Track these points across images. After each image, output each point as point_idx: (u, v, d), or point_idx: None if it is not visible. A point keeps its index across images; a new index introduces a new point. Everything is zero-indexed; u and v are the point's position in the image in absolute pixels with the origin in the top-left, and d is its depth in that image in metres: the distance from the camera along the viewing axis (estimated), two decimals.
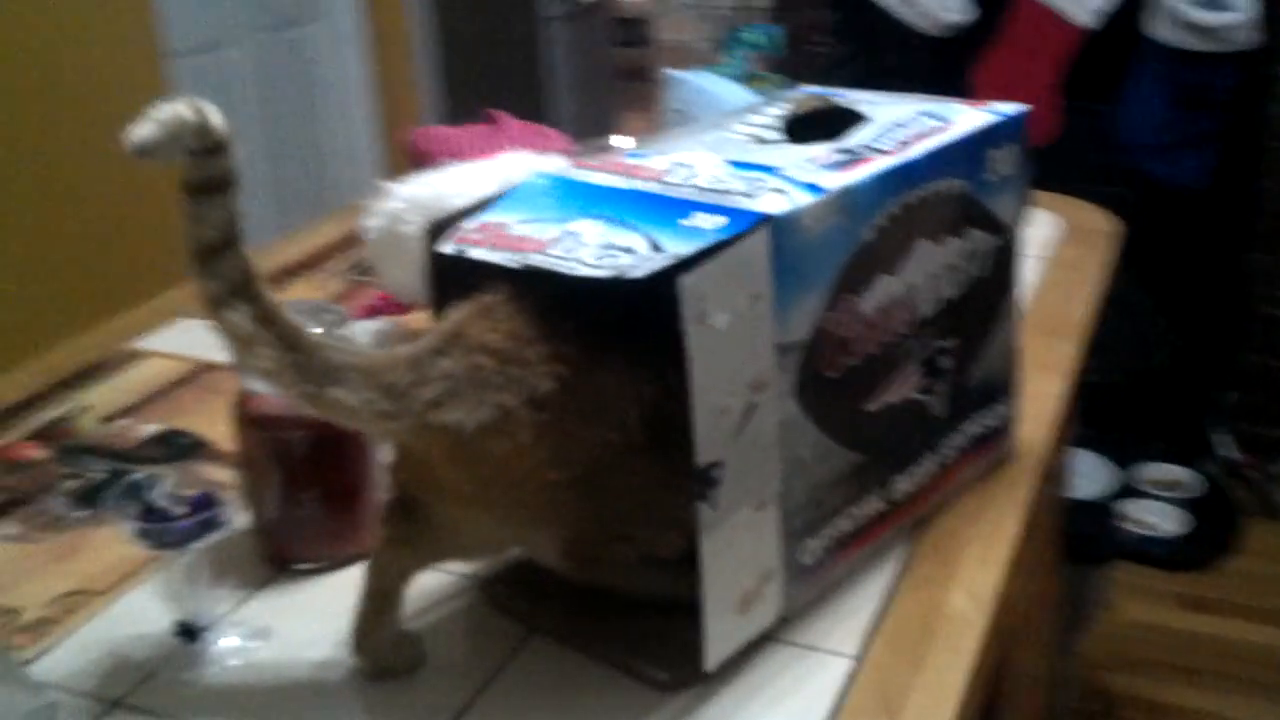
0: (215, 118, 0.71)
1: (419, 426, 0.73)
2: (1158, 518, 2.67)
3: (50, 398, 1.21)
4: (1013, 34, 2.89)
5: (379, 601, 0.81)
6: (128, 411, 1.19)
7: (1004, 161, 0.96)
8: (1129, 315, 2.84)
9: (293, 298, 1.39)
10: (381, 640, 0.82)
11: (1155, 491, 2.73)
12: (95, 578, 0.93)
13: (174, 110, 0.70)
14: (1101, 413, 2.81)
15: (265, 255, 1.57)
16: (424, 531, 0.80)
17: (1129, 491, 2.73)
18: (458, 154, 1.18)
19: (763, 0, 2.75)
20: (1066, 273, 1.43)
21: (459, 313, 0.77)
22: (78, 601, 0.91)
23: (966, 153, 0.93)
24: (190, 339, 1.32)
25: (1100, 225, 1.59)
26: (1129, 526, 2.65)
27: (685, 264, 0.72)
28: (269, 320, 0.73)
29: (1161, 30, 2.67)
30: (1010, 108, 0.97)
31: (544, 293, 0.77)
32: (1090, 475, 2.64)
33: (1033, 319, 1.31)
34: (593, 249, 0.76)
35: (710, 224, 0.76)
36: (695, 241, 0.74)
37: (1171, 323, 2.85)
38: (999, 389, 1.02)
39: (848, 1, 2.95)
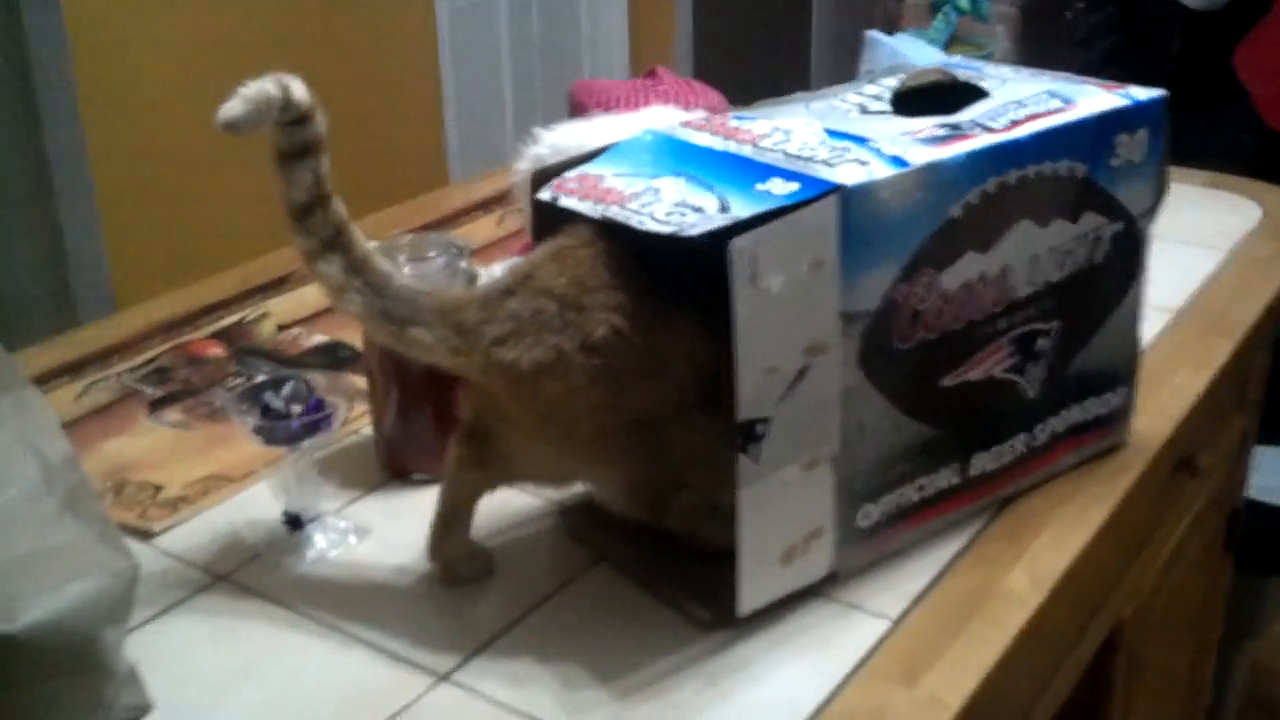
0: (299, 91, 0.79)
1: (484, 362, 0.79)
2: None
3: (239, 303, 1.33)
4: None
5: (451, 515, 0.88)
6: (302, 322, 1.29)
7: (1134, 147, 0.95)
8: None
9: (461, 234, 1.48)
10: (453, 550, 0.89)
11: None
12: (233, 466, 1.04)
13: (261, 88, 0.78)
14: None
15: (460, 189, 1.67)
16: (493, 456, 0.86)
17: None
18: (610, 105, 1.23)
19: None
20: (1250, 267, 1.38)
21: (536, 253, 0.83)
22: (213, 485, 1.01)
23: (1088, 136, 0.92)
24: None
25: None
26: None
27: (742, 226, 0.75)
28: (358, 269, 0.81)
29: None
30: (1145, 93, 0.95)
31: (615, 243, 0.81)
32: None
33: (1197, 310, 1.28)
34: (666, 205, 0.80)
35: (782, 189, 0.79)
36: (760, 204, 0.77)
37: None
38: (1114, 377, 1.01)
39: None
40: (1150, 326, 1.02)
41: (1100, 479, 1.00)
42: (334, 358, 1.22)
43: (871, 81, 0.98)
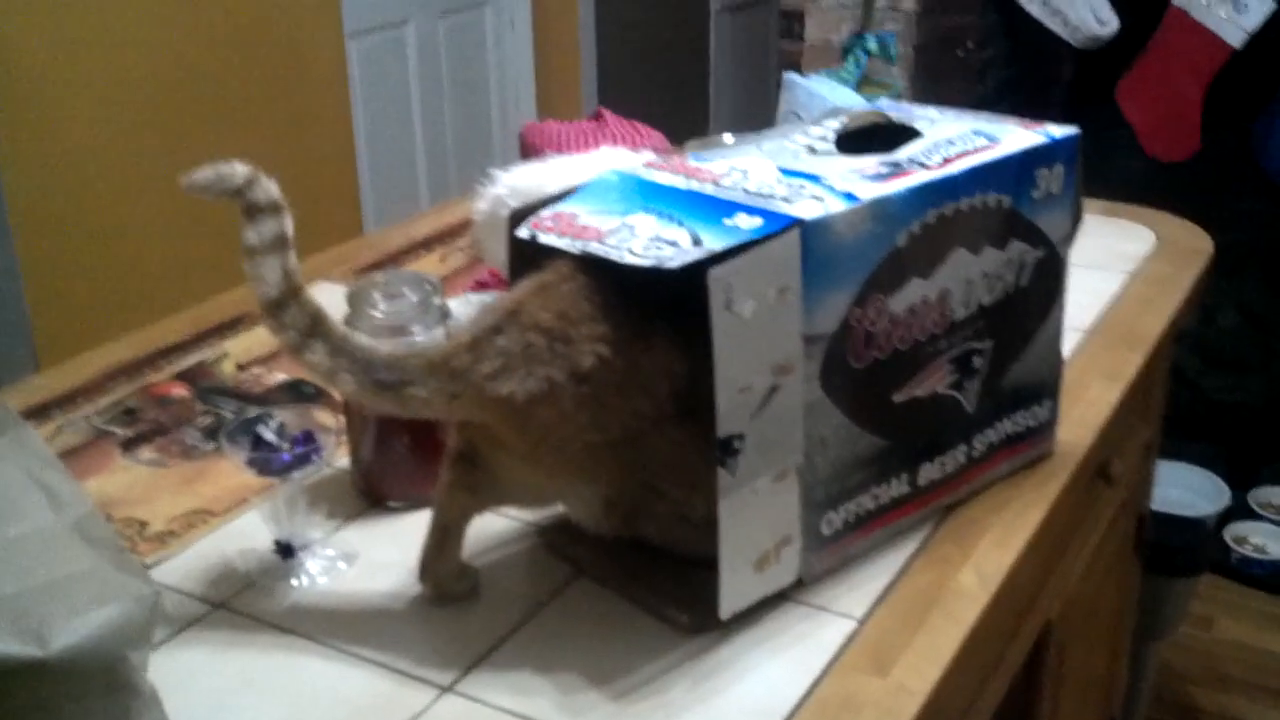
0: (269, 185, 0.85)
1: (479, 399, 0.85)
2: (1268, 540, 2.67)
3: (196, 344, 1.37)
4: (1161, 48, 2.89)
5: (442, 536, 0.93)
6: (261, 361, 1.33)
7: (1053, 179, 1.04)
8: (1266, 335, 2.83)
9: (408, 269, 1.53)
10: (444, 570, 0.94)
11: (1268, 514, 2.73)
12: (215, 500, 1.08)
13: (232, 169, 0.85)
14: (1229, 430, 2.82)
15: (402, 229, 1.72)
16: (483, 479, 0.91)
17: (1244, 512, 2.73)
18: (562, 147, 1.29)
19: (909, 3, 2.81)
20: (1149, 287, 1.48)
21: (519, 289, 0.89)
22: (198, 519, 1.05)
23: (1012, 170, 1.00)
24: (324, 299, 1.46)
25: (1195, 243, 1.62)
26: (1238, 547, 2.65)
27: (717, 258, 0.82)
28: (341, 350, 0.86)
29: None
30: (1061, 130, 1.04)
31: (595, 276, 0.87)
32: (1203, 491, 2.65)
33: (1105, 328, 1.38)
34: (642, 240, 0.87)
35: (748, 224, 0.86)
36: (731, 238, 0.84)
37: None
38: (1040, 391, 1.10)
39: (996, 8, 2.99)
40: (1065, 345, 1.11)
41: (1032, 485, 1.08)
42: (299, 394, 1.27)
43: (815, 124, 1.05)
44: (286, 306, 0.86)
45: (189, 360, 1.34)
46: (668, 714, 0.83)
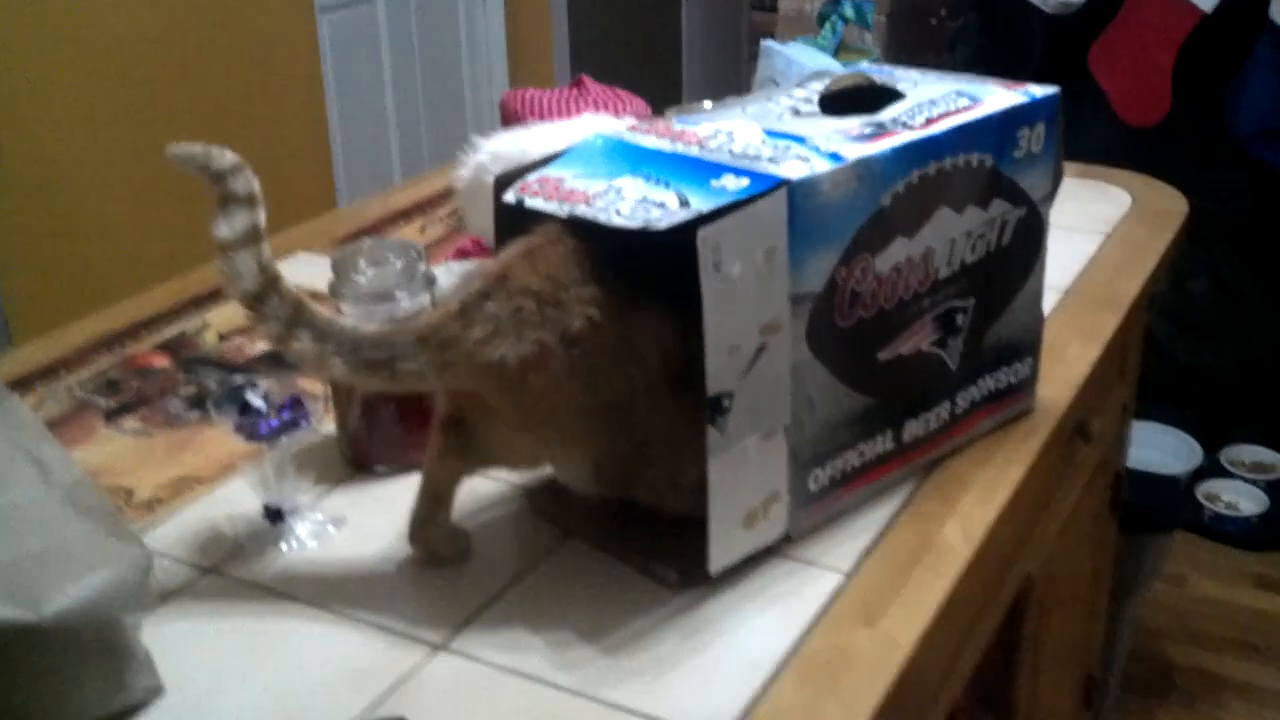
0: (249, 179, 0.85)
1: (471, 366, 0.85)
2: (1240, 497, 2.71)
3: (177, 315, 1.37)
4: (1132, 15, 2.90)
5: (432, 500, 0.94)
6: (242, 331, 1.33)
7: (1034, 139, 1.04)
8: (1236, 301, 2.86)
9: (392, 237, 1.53)
10: (433, 533, 0.95)
11: (1240, 472, 2.76)
12: (201, 468, 1.08)
13: (222, 153, 0.85)
14: (1200, 394, 2.85)
15: (380, 199, 1.71)
16: (472, 444, 0.92)
17: (1216, 471, 2.77)
18: (543, 115, 1.29)
19: None
20: (1125, 249, 1.50)
21: (507, 254, 0.89)
22: (184, 486, 1.05)
23: (994, 130, 1.01)
24: (305, 271, 1.46)
25: (1169, 205, 1.64)
26: (1210, 504, 2.69)
27: (705, 219, 0.82)
28: (326, 335, 0.85)
29: (1279, 14, 2.67)
30: (1041, 90, 1.05)
31: (583, 240, 0.88)
32: (1175, 452, 2.68)
33: (1082, 289, 1.39)
34: (629, 202, 0.87)
35: (735, 185, 0.87)
36: (718, 199, 0.85)
37: (1278, 309, 2.85)
38: (1021, 349, 1.11)
39: None
40: (1044, 305, 1.12)
41: (1013, 442, 1.09)
42: (281, 363, 1.26)
43: (799, 86, 1.06)
44: (267, 298, 0.85)
45: (170, 331, 1.34)
46: (660, 668, 0.84)
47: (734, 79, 4.10)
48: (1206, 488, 2.73)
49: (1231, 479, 2.76)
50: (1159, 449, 2.64)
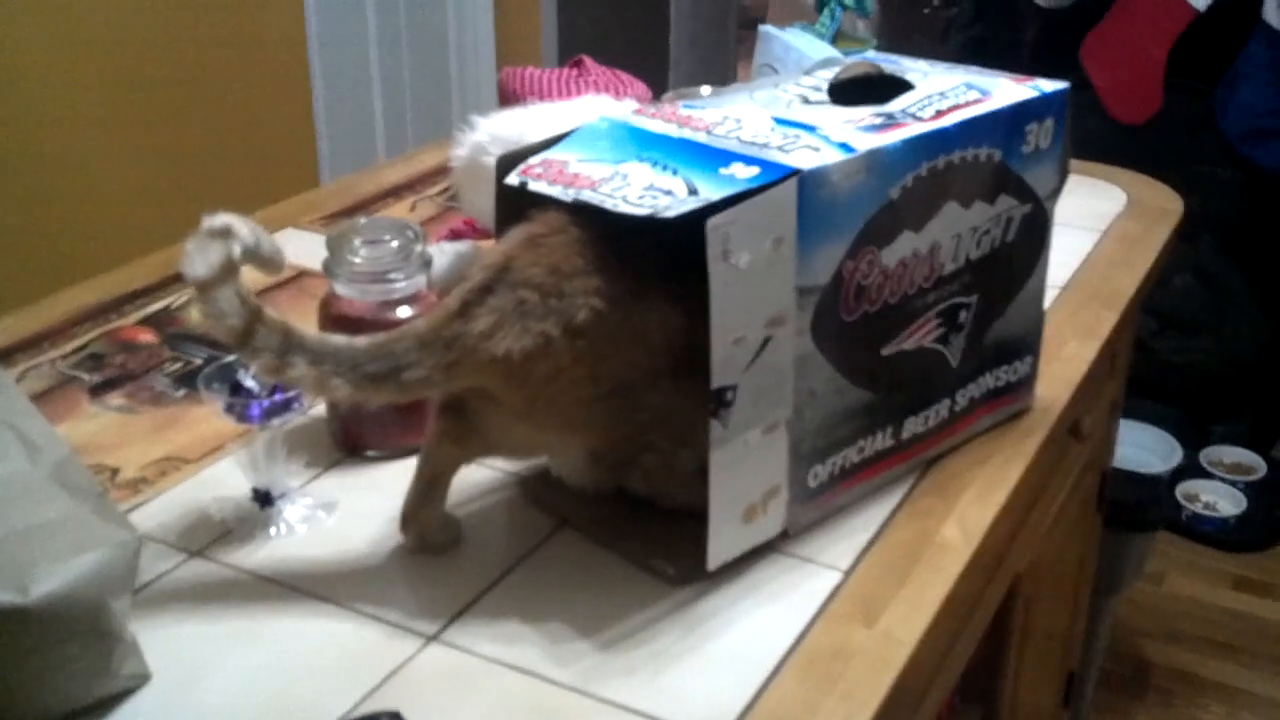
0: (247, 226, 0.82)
1: (476, 362, 0.83)
2: (1219, 498, 2.71)
3: (163, 289, 1.34)
4: (1125, 10, 2.90)
5: (427, 486, 0.92)
6: None
7: (1043, 134, 1.03)
8: (1220, 298, 2.86)
9: (386, 215, 1.51)
10: (428, 520, 0.93)
11: (1219, 473, 2.77)
12: (188, 447, 1.06)
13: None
14: (1182, 391, 2.85)
15: (370, 176, 1.69)
16: (471, 431, 0.90)
17: (1196, 471, 2.77)
18: (542, 95, 1.27)
19: None
20: (1121, 246, 1.49)
21: (508, 243, 0.87)
22: (171, 466, 1.03)
23: (1003, 124, 1.00)
24: (293, 247, 1.43)
25: (1165, 204, 1.63)
26: (1189, 504, 2.70)
27: (714, 208, 0.81)
28: (322, 357, 0.83)
29: (1271, 15, 2.67)
30: (1051, 85, 1.04)
31: (585, 228, 0.86)
32: (1156, 450, 2.69)
33: (1079, 286, 1.38)
34: (636, 189, 0.85)
35: (744, 174, 0.85)
36: (727, 188, 0.83)
37: (1265, 308, 2.86)
38: (1021, 347, 1.10)
39: None
40: None
41: (1012, 440, 1.08)
42: None
43: (807, 74, 1.04)
44: (254, 332, 0.82)
45: (154, 306, 1.31)
46: (658, 663, 0.82)
47: (722, 63, 4.07)
48: (1186, 487, 2.74)
49: (1211, 479, 2.76)
50: (1139, 446, 2.64)
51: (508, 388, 0.85)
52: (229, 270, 0.81)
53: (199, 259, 0.80)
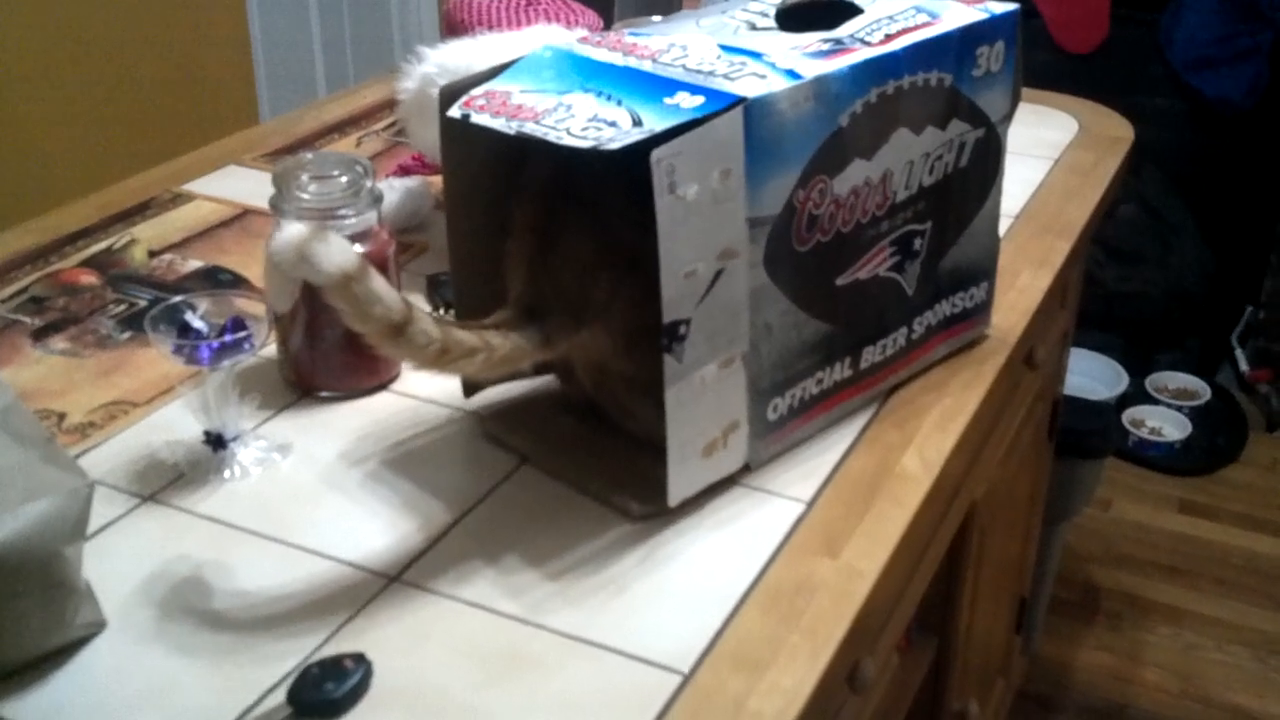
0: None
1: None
2: (1164, 423, 2.75)
3: (104, 230, 1.31)
4: None
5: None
6: (174, 248, 1.28)
7: (993, 57, 1.02)
8: (1164, 228, 2.88)
9: (333, 150, 1.48)
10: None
11: (1166, 399, 2.80)
12: (136, 391, 1.04)
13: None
14: (1126, 320, 2.88)
15: (312, 111, 1.66)
16: (536, 333, 0.89)
17: (1142, 397, 2.81)
18: (494, 24, 1.25)
19: None
20: (1073, 175, 1.49)
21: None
22: (118, 410, 1.01)
23: (953, 48, 0.99)
24: (235, 185, 1.41)
25: (1117, 132, 1.63)
26: (1135, 429, 2.73)
27: (658, 139, 0.79)
28: (475, 350, 0.85)
29: None
30: (1001, 6, 1.03)
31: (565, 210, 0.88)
32: (1102, 378, 2.71)
33: (1031, 215, 1.38)
34: (580, 120, 0.83)
35: (690, 103, 0.84)
36: (672, 118, 0.82)
37: (1208, 238, 2.88)
38: (976, 274, 1.10)
39: None
40: None
41: (969, 369, 1.08)
42: (215, 282, 1.22)
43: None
44: (411, 321, 0.81)
45: (96, 247, 1.29)
46: (623, 600, 0.82)
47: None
48: (1132, 413, 2.77)
49: (1156, 405, 2.80)
50: (1086, 374, 2.67)
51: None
52: (365, 264, 0.79)
53: (334, 252, 0.77)
